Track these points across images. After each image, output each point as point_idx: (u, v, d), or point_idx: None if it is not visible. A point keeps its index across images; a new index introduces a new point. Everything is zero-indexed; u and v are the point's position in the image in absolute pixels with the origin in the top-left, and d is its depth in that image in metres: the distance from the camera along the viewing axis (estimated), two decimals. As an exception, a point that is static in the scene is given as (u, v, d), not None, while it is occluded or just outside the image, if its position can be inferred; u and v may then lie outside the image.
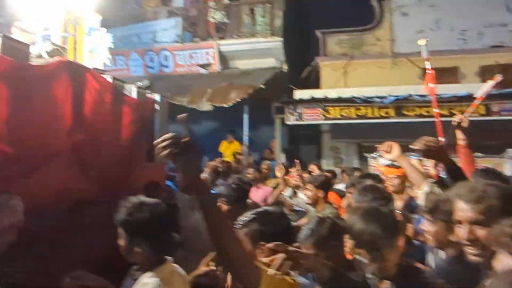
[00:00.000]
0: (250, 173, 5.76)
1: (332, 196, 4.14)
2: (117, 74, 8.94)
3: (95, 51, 5.36)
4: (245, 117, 9.08)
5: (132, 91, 4.54)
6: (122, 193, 3.35)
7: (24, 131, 2.62)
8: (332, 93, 8.40)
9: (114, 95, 3.95)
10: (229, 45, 9.47)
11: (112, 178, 3.80)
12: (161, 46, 9.26)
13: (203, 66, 9.26)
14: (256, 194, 4.93)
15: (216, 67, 9.29)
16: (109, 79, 3.98)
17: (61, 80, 3.07)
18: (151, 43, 9.40)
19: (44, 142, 2.86)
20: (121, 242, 1.76)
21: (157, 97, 5.16)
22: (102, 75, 3.95)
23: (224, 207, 2.74)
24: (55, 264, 2.51)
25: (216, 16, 9.55)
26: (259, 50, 9.28)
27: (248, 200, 3.10)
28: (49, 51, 3.41)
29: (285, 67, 9.29)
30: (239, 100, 8.46)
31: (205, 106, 8.38)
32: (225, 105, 8.42)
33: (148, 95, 5.00)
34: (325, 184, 3.81)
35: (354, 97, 8.10)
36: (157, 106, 5.13)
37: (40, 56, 3.31)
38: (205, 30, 9.62)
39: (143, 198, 1.89)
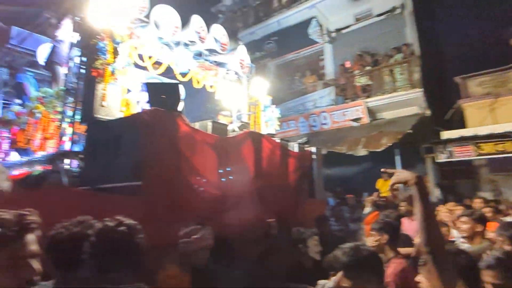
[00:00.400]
0: (403, 205, 5.27)
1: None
2: (290, 134, 10.22)
3: (269, 122, 6.33)
4: (397, 158, 8.92)
5: (294, 147, 5.09)
6: (294, 223, 3.75)
7: (226, 180, 3.37)
8: (483, 130, 7.71)
9: (282, 151, 4.53)
10: (375, 101, 9.64)
11: (285, 212, 4.24)
12: (320, 109, 10.13)
13: (355, 120, 9.64)
14: (410, 226, 4.45)
15: (366, 119, 9.52)
16: (278, 140, 4.60)
17: (246, 144, 3.83)
18: (313, 109, 10.38)
19: (237, 187, 3.55)
20: (345, 283, 1.52)
21: (313, 149, 5.57)
22: (273, 138, 4.61)
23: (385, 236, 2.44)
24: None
25: (361, 80, 10.05)
26: (402, 101, 9.16)
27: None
28: (239, 126, 4.32)
29: (427, 112, 8.81)
30: (390, 144, 8.48)
31: (361, 151, 8.67)
32: (378, 150, 8.52)
33: (306, 149, 5.46)
34: (483, 218, 3.15)
35: (509, 132, 7.27)
36: (313, 156, 5.54)
37: (234, 131, 4.24)
38: (353, 93, 10.14)
39: (356, 244, 1.66)
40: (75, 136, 3.60)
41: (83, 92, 3.57)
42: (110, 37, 3.48)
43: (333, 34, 11.43)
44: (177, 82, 3.91)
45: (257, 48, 12.57)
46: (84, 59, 3.64)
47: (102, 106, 3.31)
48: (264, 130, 6.25)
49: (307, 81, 11.34)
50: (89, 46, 3.48)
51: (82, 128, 3.54)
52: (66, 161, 3.60)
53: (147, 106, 3.21)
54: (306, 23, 11.50)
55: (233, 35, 9.74)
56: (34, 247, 0.99)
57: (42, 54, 4.80)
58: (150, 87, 3.07)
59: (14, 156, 4.51)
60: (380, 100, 9.50)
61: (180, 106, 3.07)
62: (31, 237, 0.99)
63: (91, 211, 1.64)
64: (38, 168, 3.80)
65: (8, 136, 4.65)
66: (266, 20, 12.30)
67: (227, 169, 3.46)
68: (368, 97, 9.67)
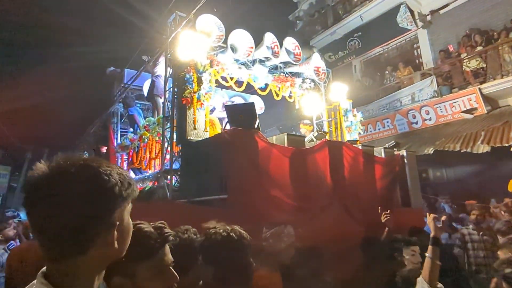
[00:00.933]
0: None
1: None
2: (386, 134, 9.61)
3: (351, 126, 6.14)
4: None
5: (381, 152, 4.82)
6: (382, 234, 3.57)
7: (302, 190, 3.45)
8: None
9: (365, 157, 4.36)
10: (492, 86, 8.05)
11: (372, 221, 4.05)
12: (420, 104, 9.05)
13: (467, 111, 8.24)
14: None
15: (482, 109, 8.05)
16: (360, 147, 4.45)
17: (323, 153, 3.85)
18: (411, 104, 9.32)
19: (316, 197, 3.59)
20: None
21: (404, 153, 5.15)
22: (355, 145, 4.48)
23: None
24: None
25: (471, 64, 8.57)
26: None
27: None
28: (316, 135, 4.36)
29: None
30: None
31: (481, 148, 7.10)
32: (506, 144, 6.89)
33: (396, 153, 5.09)
34: None
35: None
36: (405, 160, 5.11)
37: (312, 140, 4.29)
38: (462, 80, 8.71)
39: None
40: (173, 156, 4.23)
41: (177, 118, 4.17)
42: (194, 69, 3.99)
43: (428, 17, 10.11)
44: (252, 102, 4.19)
45: (340, 48, 12.19)
46: (176, 89, 4.27)
47: (194, 129, 3.81)
48: (346, 135, 6.10)
49: (402, 73, 10.28)
50: (179, 78, 4.07)
51: (178, 149, 4.12)
52: (168, 177, 4.25)
53: (229, 126, 3.58)
54: (392, 12, 10.59)
55: (307, 43, 9.81)
56: (170, 255, 1.10)
57: (145, 88, 5.78)
58: (228, 109, 3.42)
59: (131, 175, 5.51)
60: (499, 85, 7.82)
61: (256, 124, 3.31)
62: (167, 247, 1.11)
63: (189, 220, 1.95)
64: (149, 184, 4.57)
65: (126, 158, 5.71)
66: (347, 17, 11.76)
67: (303, 178, 3.54)
68: (482, 82, 8.12)
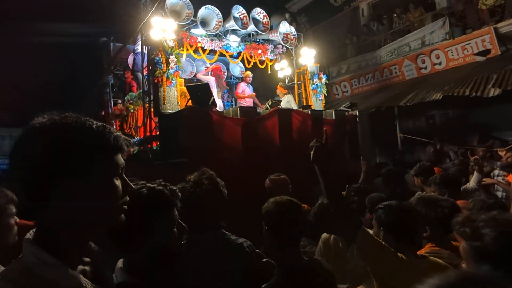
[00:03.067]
0: None
1: None
2: (394, 80, 9.16)
3: (316, 89, 6.90)
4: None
5: (332, 114, 5.66)
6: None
7: (253, 151, 4.42)
8: None
9: (314, 120, 5.24)
10: (510, 25, 7.41)
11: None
12: (431, 47, 8.47)
13: (480, 53, 7.83)
14: None
15: (496, 50, 7.61)
16: (309, 112, 5.30)
17: (273, 120, 4.74)
18: (421, 48, 8.73)
19: (266, 156, 4.56)
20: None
21: (357, 113, 5.99)
22: (304, 111, 5.33)
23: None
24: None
25: (487, 1, 7.98)
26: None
27: None
28: (271, 104, 5.20)
29: None
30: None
31: (491, 91, 6.68)
32: None
33: (348, 113, 5.93)
34: None
35: None
36: (357, 119, 5.97)
37: (267, 109, 5.16)
38: (477, 20, 8.23)
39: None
40: (153, 126, 5.18)
41: (153, 93, 5.04)
42: (163, 51, 4.75)
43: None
44: (207, 83, 4.99)
45: None
46: (150, 67, 5.08)
47: (164, 104, 4.70)
48: (312, 97, 6.89)
49: (412, 15, 9.53)
50: (151, 60, 4.86)
51: (155, 119, 5.06)
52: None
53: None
54: None
55: (281, 7, 9.97)
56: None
57: (130, 62, 6.56)
58: (189, 88, 4.27)
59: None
60: (517, 23, 7.11)
61: (211, 100, 4.18)
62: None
63: (164, 178, 2.94)
64: (136, 149, 5.60)
65: (120, 125, 6.70)
66: None
67: (254, 140, 4.49)
68: (498, 21, 7.53)
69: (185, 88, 5.31)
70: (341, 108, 6.10)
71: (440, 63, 8.45)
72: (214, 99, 4.25)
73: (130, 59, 6.67)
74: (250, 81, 7.08)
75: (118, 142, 0.79)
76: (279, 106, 5.15)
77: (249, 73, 7.04)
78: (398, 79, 9.24)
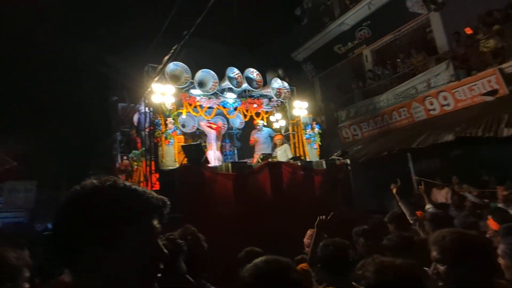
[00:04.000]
0: None
1: None
2: (403, 122, 9.38)
3: (310, 138, 7.30)
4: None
5: (323, 163, 6.00)
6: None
7: (244, 204, 4.71)
8: None
9: (304, 171, 5.57)
10: None
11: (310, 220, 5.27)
12: (437, 89, 8.68)
13: (488, 94, 7.98)
14: None
15: (504, 90, 7.75)
16: (299, 163, 5.65)
17: (264, 173, 5.09)
18: (427, 90, 8.92)
19: (257, 207, 4.84)
20: None
21: (348, 161, 6.31)
22: (294, 162, 5.68)
23: None
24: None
25: (489, 44, 8.32)
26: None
27: None
28: (262, 157, 5.59)
29: None
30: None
31: (504, 131, 6.71)
32: None
33: (340, 162, 6.25)
34: None
35: None
36: (349, 167, 6.28)
37: (258, 162, 5.54)
38: (480, 61, 8.40)
39: None
40: (154, 180, 5.60)
41: (154, 151, 5.52)
42: (162, 114, 5.32)
43: (440, 0, 9.83)
44: (199, 143, 5.48)
45: (349, 38, 12.17)
46: (151, 128, 5.62)
47: (162, 161, 5.15)
48: (307, 146, 7.27)
49: (415, 60, 9.94)
50: (151, 121, 5.41)
51: (156, 175, 5.49)
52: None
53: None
54: (402, -3, 10.32)
55: (274, 66, 10.78)
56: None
57: (135, 120, 7.22)
58: (183, 148, 4.74)
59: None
60: (521, 63, 7.28)
61: (203, 158, 4.60)
62: None
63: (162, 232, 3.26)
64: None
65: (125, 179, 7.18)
66: (354, 6, 11.64)
67: (246, 193, 4.81)
68: (502, 62, 7.77)
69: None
70: (332, 157, 6.44)
71: (448, 104, 8.58)
72: (206, 157, 4.67)
73: (135, 117, 7.31)
74: (261, 129, 7.49)
75: (157, 206, 0.82)
76: (269, 159, 5.53)
77: (258, 121, 7.48)
78: (408, 121, 9.39)
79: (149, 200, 0.80)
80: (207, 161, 4.70)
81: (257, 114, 7.59)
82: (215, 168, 4.97)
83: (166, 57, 5.71)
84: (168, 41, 5.82)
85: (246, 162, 5.48)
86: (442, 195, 7.72)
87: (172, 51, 5.45)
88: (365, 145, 9.86)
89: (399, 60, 10.52)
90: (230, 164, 4.85)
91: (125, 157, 7.47)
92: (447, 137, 7.22)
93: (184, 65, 6.21)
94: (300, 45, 13.77)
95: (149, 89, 5.91)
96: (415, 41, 10.86)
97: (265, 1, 13.93)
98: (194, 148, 4.69)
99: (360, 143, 10.23)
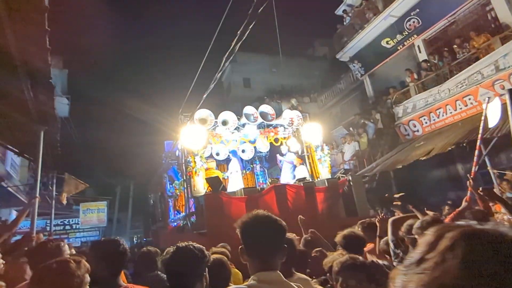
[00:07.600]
0: None
1: None
2: (470, 112, 8.64)
3: (321, 159, 8.60)
4: None
5: (325, 182, 7.29)
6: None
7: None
8: None
9: (306, 190, 6.94)
10: None
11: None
12: (508, 71, 7.95)
13: None
14: None
15: None
16: (301, 184, 7.04)
17: (271, 194, 6.60)
18: (495, 73, 8.24)
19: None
20: None
21: (349, 177, 7.50)
22: (298, 183, 7.09)
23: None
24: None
25: None
26: None
27: None
28: (270, 181, 7.09)
29: None
30: None
31: None
32: None
33: (342, 179, 7.47)
34: None
35: None
36: (351, 183, 7.47)
37: (268, 185, 7.05)
38: None
39: None
40: (190, 204, 7.45)
41: (188, 181, 7.38)
42: (192, 154, 7.17)
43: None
44: (217, 176, 7.17)
45: (398, 30, 11.59)
46: (185, 165, 7.51)
47: (194, 190, 6.96)
48: (319, 165, 8.57)
49: (476, 43, 9.18)
50: (185, 160, 7.30)
51: (192, 201, 7.33)
52: (193, 217, 7.47)
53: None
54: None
55: (289, 95, 12.15)
56: None
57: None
58: (207, 180, 6.50)
59: (175, 215, 9.03)
60: None
61: (220, 187, 6.29)
62: None
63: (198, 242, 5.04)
64: (181, 222, 7.89)
65: (172, 204, 9.22)
66: None
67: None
68: None
69: (215, 172, 7.61)
70: (336, 175, 7.67)
71: (524, 84, 7.57)
72: (224, 185, 6.37)
73: (177, 153, 9.40)
74: (285, 153, 8.87)
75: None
76: (276, 183, 7.01)
77: (282, 146, 8.88)
78: (476, 110, 8.56)
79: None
80: (224, 189, 6.39)
81: (276, 140, 9.13)
82: (232, 193, 6.63)
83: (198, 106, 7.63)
84: (196, 87, 7.71)
85: (254, 188, 7.08)
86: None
87: (202, 101, 7.35)
88: (427, 141, 9.45)
89: (455, 46, 9.91)
90: (242, 190, 6.49)
91: (170, 185, 9.58)
92: None
93: (209, 111, 8.04)
94: (345, 45, 13.54)
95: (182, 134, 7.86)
96: (473, 23, 10.13)
97: (304, 6, 14.25)
98: (214, 180, 6.43)
99: (422, 139, 9.84)
